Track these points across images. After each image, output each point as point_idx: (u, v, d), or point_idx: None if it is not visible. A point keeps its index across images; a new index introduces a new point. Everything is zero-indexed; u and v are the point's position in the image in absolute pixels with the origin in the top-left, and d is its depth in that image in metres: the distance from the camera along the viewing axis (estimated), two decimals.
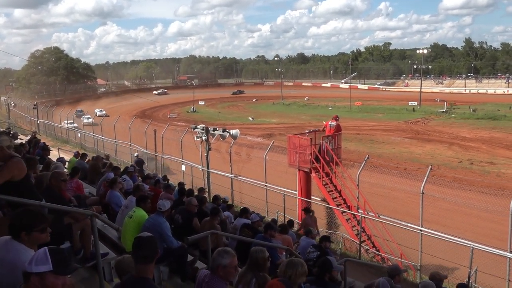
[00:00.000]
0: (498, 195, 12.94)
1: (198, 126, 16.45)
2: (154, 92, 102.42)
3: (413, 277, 11.61)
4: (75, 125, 34.77)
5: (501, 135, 40.37)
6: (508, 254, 9.78)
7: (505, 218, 10.28)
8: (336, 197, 14.74)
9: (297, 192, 15.65)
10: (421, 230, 11.52)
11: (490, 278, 10.07)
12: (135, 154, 22.64)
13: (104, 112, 43.79)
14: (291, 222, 11.65)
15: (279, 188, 15.89)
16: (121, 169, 11.63)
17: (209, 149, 16.24)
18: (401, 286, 6.05)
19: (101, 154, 20.54)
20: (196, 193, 10.30)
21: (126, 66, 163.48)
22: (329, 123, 16.06)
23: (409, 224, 12.10)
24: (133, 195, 7.28)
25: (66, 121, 35.08)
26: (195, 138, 16.59)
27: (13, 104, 51.32)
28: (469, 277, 9.87)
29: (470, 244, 10.16)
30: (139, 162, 13.79)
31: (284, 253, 7.37)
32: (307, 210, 12.22)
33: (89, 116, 39.56)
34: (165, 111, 70.42)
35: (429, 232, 11.50)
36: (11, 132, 16.92)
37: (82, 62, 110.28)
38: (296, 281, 3.86)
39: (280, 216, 14.97)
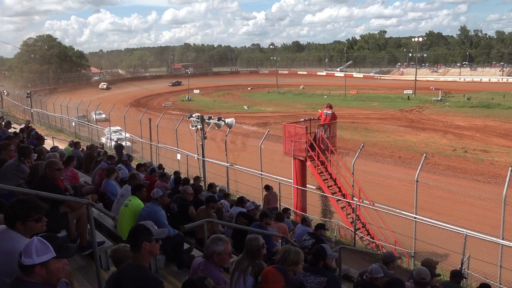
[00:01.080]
0: (491, 183, 13.08)
1: (193, 115, 16.39)
2: (99, 86, 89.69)
3: (407, 263, 11.74)
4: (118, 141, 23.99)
5: (495, 123, 40.59)
6: (500, 241, 9.89)
7: (498, 205, 10.38)
8: (331, 185, 14.81)
9: (292, 181, 15.71)
10: (415, 218, 11.61)
11: (483, 265, 10.21)
12: (115, 139, 22.41)
13: (103, 116, 32.67)
14: (286, 210, 11.72)
15: (274, 176, 15.92)
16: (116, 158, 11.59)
17: (205, 138, 16.22)
18: (395, 272, 6.11)
19: (95, 143, 20.46)
20: (192, 181, 10.32)
21: (120, 54, 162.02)
22: (324, 111, 16.05)
23: (403, 212, 12.21)
24: (128, 184, 7.28)
25: (105, 137, 27.30)
26: (190, 127, 16.54)
27: (6, 93, 50.77)
28: (462, 264, 10.00)
29: (464, 231, 10.26)
30: (119, 147, 13.74)
31: (280, 240, 7.42)
32: (267, 187, 13.00)
33: (119, 132, 27.70)
34: (160, 99, 70.04)
35: (423, 220, 11.60)
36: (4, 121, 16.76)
37: (76, 50, 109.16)
38: (292, 268, 3.89)
39: None
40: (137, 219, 6.15)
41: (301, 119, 17.26)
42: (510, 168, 10.13)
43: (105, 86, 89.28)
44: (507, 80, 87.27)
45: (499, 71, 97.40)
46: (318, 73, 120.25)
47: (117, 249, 4.16)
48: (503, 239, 9.91)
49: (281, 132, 16.66)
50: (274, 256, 4.33)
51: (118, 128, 28.55)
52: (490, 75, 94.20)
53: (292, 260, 3.91)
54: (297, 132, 15.53)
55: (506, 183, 9.95)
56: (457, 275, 6.87)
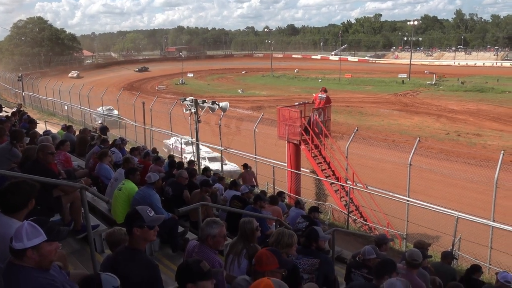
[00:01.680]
0: (483, 166, 13.16)
1: (187, 99, 16.28)
2: (69, 75, 76.52)
3: (399, 245, 11.91)
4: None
5: (488, 107, 40.78)
6: (491, 223, 10.04)
7: (489, 188, 10.50)
8: (325, 169, 14.89)
9: (286, 164, 15.76)
10: (407, 201, 11.73)
11: (474, 246, 10.38)
12: (99, 121, 22.15)
13: (116, 112, 26.87)
14: (280, 194, 11.78)
15: (268, 160, 15.97)
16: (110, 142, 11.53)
17: (199, 121, 16.15)
18: (387, 254, 6.19)
19: (88, 127, 20.32)
20: (186, 165, 10.31)
21: (113, 37, 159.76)
22: (319, 95, 16.02)
23: (396, 195, 12.32)
24: (122, 168, 7.26)
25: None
26: (184, 111, 16.44)
27: None
28: (453, 245, 10.16)
29: (455, 214, 10.40)
30: (103, 129, 13.62)
31: (274, 223, 7.46)
32: (245, 166, 13.33)
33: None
34: (154, 83, 69.50)
35: (416, 202, 11.72)
36: None
37: (67, 33, 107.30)
38: (286, 251, 3.92)
39: (270, 187, 15.11)
40: (131, 203, 6.16)
41: (296, 103, 17.20)
42: (502, 152, 10.23)
43: (75, 75, 79.69)
44: (501, 64, 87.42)
45: (494, 55, 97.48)
46: (313, 57, 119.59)
47: (112, 232, 4.17)
48: (493, 221, 10.06)
49: (276, 116, 16.63)
50: (268, 239, 4.36)
51: (187, 138, 18.99)
52: (484, 59, 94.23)
53: (286, 242, 3.94)
54: (291, 116, 15.51)
55: (498, 166, 10.06)
56: (448, 256, 6.98)
